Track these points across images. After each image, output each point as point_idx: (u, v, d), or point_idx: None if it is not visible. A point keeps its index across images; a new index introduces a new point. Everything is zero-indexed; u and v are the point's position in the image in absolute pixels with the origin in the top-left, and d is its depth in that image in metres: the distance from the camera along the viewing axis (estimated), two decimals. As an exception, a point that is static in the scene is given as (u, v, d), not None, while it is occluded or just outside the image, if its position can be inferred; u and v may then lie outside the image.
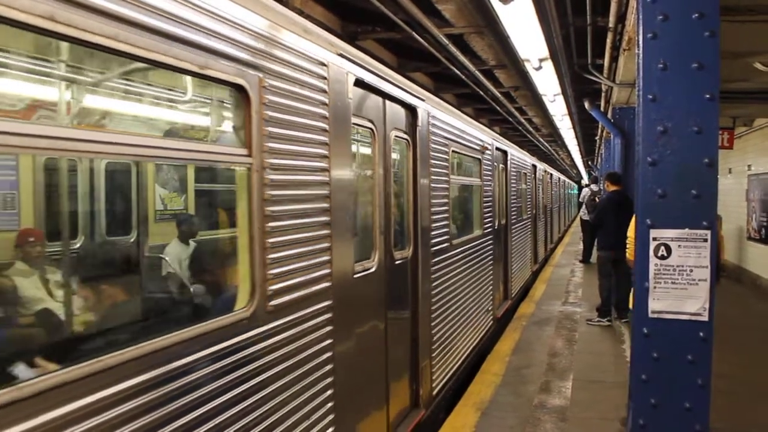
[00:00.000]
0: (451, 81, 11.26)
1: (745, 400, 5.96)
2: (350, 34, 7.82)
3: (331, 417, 3.44)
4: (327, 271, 3.43)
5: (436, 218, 5.77)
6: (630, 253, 5.63)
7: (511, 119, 15.69)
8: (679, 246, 3.31)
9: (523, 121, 16.25)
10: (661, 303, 3.37)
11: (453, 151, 6.54)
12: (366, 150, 4.45)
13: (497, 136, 10.26)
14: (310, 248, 3.23)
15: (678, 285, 3.34)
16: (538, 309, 10.61)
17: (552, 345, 8.12)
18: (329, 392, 3.44)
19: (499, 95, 11.98)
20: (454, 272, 6.48)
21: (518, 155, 12.16)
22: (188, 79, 3.28)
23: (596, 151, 24.04)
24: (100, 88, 3.85)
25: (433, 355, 5.61)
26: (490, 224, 8.60)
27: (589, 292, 11.50)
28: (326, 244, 3.42)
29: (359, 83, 3.96)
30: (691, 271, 3.31)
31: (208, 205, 5.15)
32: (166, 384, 2.18)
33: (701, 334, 3.31)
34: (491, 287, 8.64)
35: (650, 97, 3.34)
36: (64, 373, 1.80)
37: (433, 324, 5.60)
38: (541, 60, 7.95)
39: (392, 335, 4.68)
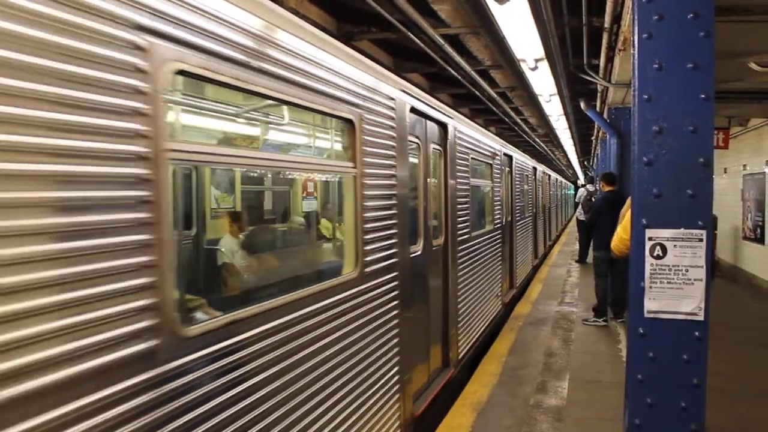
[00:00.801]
0: (447, 81, 11.27)
1: (740, 400, 5.98)
2: (346, 35, 7.82)
3: (397, 359, 4.60)
4: (395, 250, 4.58)
5: (460, 214, 6.89)
6: (614, 245, 5.64)
7: (507, 119, 15.70)
8: (674, 246, 3.31)
9: (519, 121, 16.28)
10: (656, 303, 3.37)
11: (472, 158, 7.65)
12: (414, 160, 5.54)
13: (504, 142, 11.04)
14: (386, 233, 4.38)
15: (674, 285, 3.34)
16: (534, 309, 10.62)
17: (548, 345, 8.13)
18: (396, 340, 4.60)
19: (495, 96, 12.01)
20: (473, 260, 7.62)
21: (521, 159, 13.23)
22: (321, 117, 4.16)
23: (592, 152, 24.12)
24: (282, 127, 5.64)
25: (459, 325, 6.78)
26: (499, 221, 9.63)
27: (585, 292, 11.52)
28: (394, 231, 4.55)
29: (412, 110, 5.17)
30: (687, 270, 3.32)
31: (332, 202, 6.38)
32: (311, 318, 3.29)
33: (697, 333, 3.31)
34: (500, 275, 9.73)
35: (646, 97, 3.34)
36: (256, 307, 2.80)
37: (458, 300, 6.76)
38: (536, 60, 7.98)
39: (431, 306, 5.96)
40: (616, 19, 6.48)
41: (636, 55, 3.39)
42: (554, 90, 10.40)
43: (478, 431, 5.32)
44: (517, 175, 11.97)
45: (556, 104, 12.04)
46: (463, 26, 7.46)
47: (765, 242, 11.99)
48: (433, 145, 6.07)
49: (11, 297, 1.65)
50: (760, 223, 12.21)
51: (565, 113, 13.60)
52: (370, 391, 4.09)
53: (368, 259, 4.05)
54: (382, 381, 4.31)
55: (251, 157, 3.37)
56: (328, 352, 3.46)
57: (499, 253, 9.60)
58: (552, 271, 15.47)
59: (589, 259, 13.67)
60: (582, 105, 11.26)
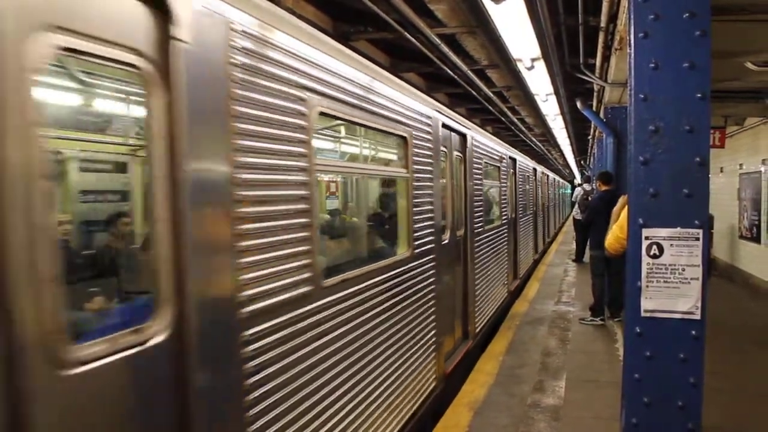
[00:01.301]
0: (444, 81, 11.26)
1: (737, 399, 5.99)
2: (342, 34, 7.81)
3: (434, 324, 5.81)
4: (433, 237, 5.85)
5: (476, 211, 8.10)
6: (609, 244, 5.64)
7: (503, 119, 15.70)
8: (671, 245, 3.32)
9: (515, 120, 16.27)
10: (653, 302, 3.38)
11: (484, 162, 8.92)
12: (443, 165, 6.61)
13: (508, 146, 12.52)
14: (427, 223, 5.68)
15: (670, 284, 3.35)
16: (531, 308, 10.63)
17: (545, 344, 8.14)
18: (434, 308, 5.81)
19: (491, 95, 12.00)
20: (486, 250, 8.82)
21: (524, 161, 14.73)
22: (388, 135, 5.14)
23: (588, 151, 24.13)
24: (367, 145, 7.64)
25: (476, 304, 7.94)
26: (506, 217, 10.99)
27: (582, 291, 11.53)
28: (432, 222, 5.82)
29: (443, 125, 6.44)
30: (684, 269, 3.32)
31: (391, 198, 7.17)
32: (387, 281, 4.60)
33: (693, 332, 3.32)
34: (506, 266, 10.93)
35: (642, 96, 3.35)
36: (357, 271, 4.08)
37: (475, 283, 7.95)
38: (533, 60, 7.97)
39: (455, 286, 7.19)
40: (612, 18, 6.48)
41: (632, 55, 3.40)
42: (551, 89, 10.40)
43: (475, 431, 5.32)
44: (520, 176, 13.19)
45: (553, 104, 12.04)
46: (460, 26, 7.45)
47: (761, 241, 12.01)
48: (456, 153, 7.34)
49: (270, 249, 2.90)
50: (757, 223, 12.23)
51: (562, 113, 13.60)
52: (417, 346, 5.30)
53: (416, 243, 5.36)
54: (425, 339, 5.53)
55: (350, 167, 6.11)
56: (396, 309, 4.76)
57: (506, 246, 10.82)
58: (549, 271, 15.48)
59: (586, 258, 13.68)
60: (578, 104, 11.25)
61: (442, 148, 6.48)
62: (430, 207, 5.76)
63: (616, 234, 5.35)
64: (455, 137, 7.25)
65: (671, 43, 3.29)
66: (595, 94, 11.31)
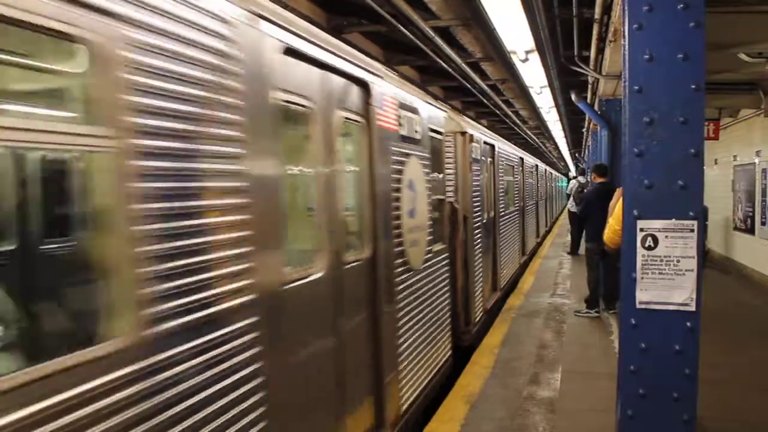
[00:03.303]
0: (438, 74, 11.23)
1: (732, 390, 6.02)
2: (336, 27, 7.77)
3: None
4: (481, 214, 8.24)
5: (500, 199, 10.77)
6: (608, 238, 5.64)
7: (498, 112, 15.69)
8: (666, 236, 3.32)
9: (510, 113, 16.27)
10: (648, 293, 3.38)
11: (505, 163, 11.72)
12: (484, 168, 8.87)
13: (518, 149, 15.65)
14: (479, 206, 7.79)
15: (665, 275, 3.35)
16: (526, 301, 10.65)
17: (541, 337, 8.16)
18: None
19: (486, 88, 11.98)
20: (506, 228, 11.41)
21: (530, 160, 17.64)
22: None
23: (583, 143, 24.14)
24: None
25: (500, 269, 10.57)
26: (518, 204, 13.73)
27: (577, 283, 11.56)
28: (481, 204, 7.87)
29: (484, 142, 8.73)
30: (678, 261, 3.32)
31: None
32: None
33: (688, 324, 3.32)
34: (518, 243, 13.76)
35: (636, 88, 3.34)
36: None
37: (500, 252, 10.46)
38: (527, 52, 7.96)
39: (492, 261, 9.75)
40: (607, 10, 6.47)
41: (626, 47, 3.39)
42: (545, 82, 10.39)
43: (471, 424, 5.33)
44: (527, 172, 15.93)
45: (547, 96, 12.04)
46: (454, 18, 7.42)
47: (755, 233, 12.06)
48: (488, 159, 9.65)
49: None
50: (751, 214, 12.27)
51: (556, 105, 13.60)
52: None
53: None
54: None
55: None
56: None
57: (518, 227, 13.63)
58: (544, 263, 15.52)
59: (581, 250, 13.72)
60: (573, 97, 11.26)
61: (482, 157, 8.83)
62: (481, 194, 8.36)
63: (613, 227, 5.35)
64: (487, 148, 9.45)
65: (665, 35, 3.28)
66: (589, 86, 11.31)
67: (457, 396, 5.98)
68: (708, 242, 14.36)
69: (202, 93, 2.43)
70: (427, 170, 5.72)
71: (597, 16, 6.64)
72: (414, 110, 5.44)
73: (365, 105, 4.29)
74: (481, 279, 8.55)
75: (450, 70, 9.94)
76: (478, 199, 8.32)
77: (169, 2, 2.25)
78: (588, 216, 9.40)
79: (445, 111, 7.13)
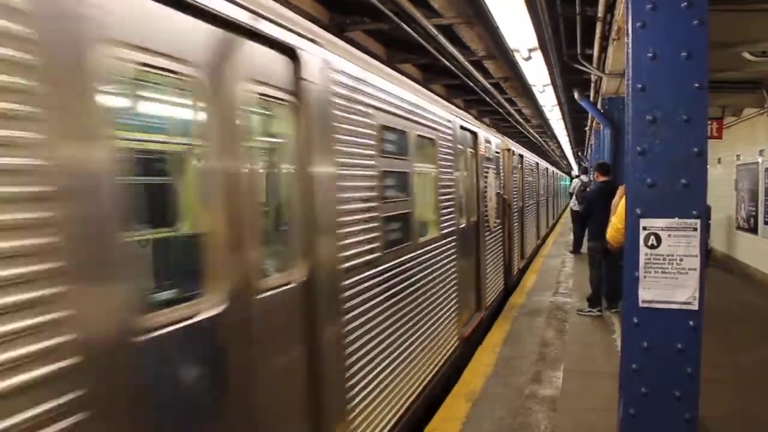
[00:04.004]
0: (441, 72, 11.24)
1: (735, 389, 6.01)
2: (338, 25, 7.77)
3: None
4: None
5: (525, 193, 13.41)
6: (611, 236, 5.63)
7: (500, 110, 15.68)
8: (668, 235, 3.31)
9: (512, 111, 16.25)
10: (651, 292, 3.37)
11: (528, 168, 14.30)
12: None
13: (535, 155, 18.11)
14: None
15: (668, 274, 3.34)
16: (528, 300, 10.64)
17: (543, 335, 8.15)
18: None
19: (488, 86, 11.97)
20: (529, 214, 14.52)
21: (543, 164, 20.54)
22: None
23: (586, 142, 24.10)
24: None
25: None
26: (534, 199, 16.16)
27: (579, 282, 11.54)
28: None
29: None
30: (681, 260, 3.32)
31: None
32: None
33: (691, 323, 3.32)
34: (536, 227, 16.53)
35: (639, 86, 3.33)
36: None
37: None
38: (530, 50, 7.95)
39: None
40: (610, 8, 6.46)
41: (630, 45, 3.38)
42: (548, 80, 10.38)
43: (472, 422, 5.33)
44: (541, 173, 18.33)
45: (550, 94, 12.02)
46: (457, 16, 7.41)
47: (758, 232, 12.03)
48: (519, 165, 11.09)
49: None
50: (754, 214, 12.24)
51: (559, 103, 13.58)
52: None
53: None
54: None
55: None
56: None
57: (535, 215, 16.06)
58: (546, 262, 15.49)
59: (584, 249, 13.70)
60: (576, 95, 11.24)
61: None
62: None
63: (616, 226, 5.35)
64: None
65: (669, 33, 3.27)
66: (592, 84, 11.30)
67: (459, 394, 5.98)
68: (711, 241, 14.33)
69: None
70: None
71: (600, 14, 6.63)
72: (487, 142, 9.17)
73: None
74: (517, 245, 12.33)
75: (452, 68, 9.94)
76: (516, 193, 11.67)
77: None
78: (590, 214, 9.39)
79: (500, 139, 9.99)
